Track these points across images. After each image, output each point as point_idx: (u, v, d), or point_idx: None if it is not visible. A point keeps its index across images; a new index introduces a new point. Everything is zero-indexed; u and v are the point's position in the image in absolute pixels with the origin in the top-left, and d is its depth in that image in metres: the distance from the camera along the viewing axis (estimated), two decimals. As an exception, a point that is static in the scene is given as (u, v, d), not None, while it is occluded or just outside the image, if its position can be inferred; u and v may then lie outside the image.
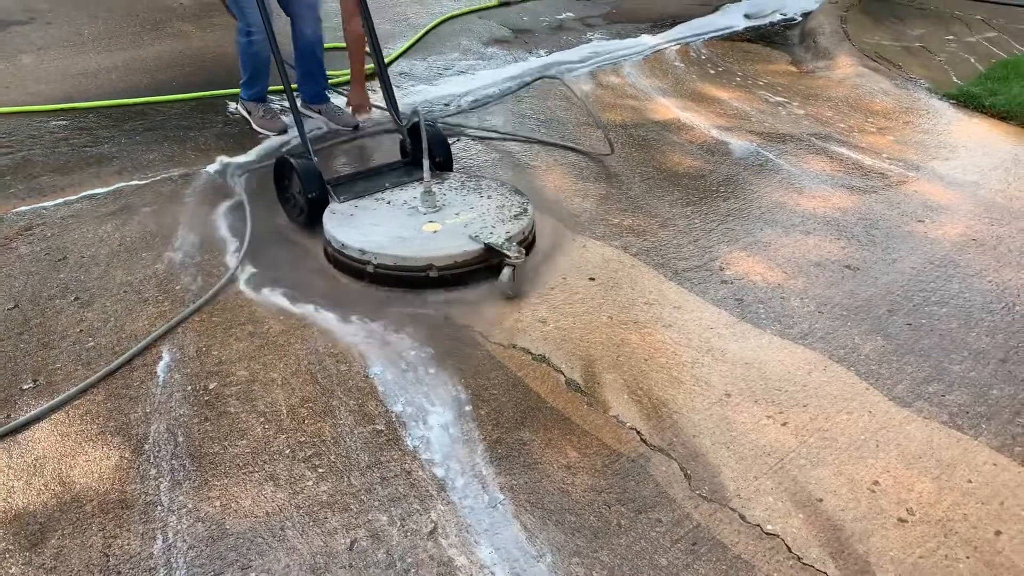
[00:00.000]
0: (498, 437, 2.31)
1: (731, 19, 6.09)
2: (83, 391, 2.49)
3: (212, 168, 3.79)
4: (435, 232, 3.00)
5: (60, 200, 3.52)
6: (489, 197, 3.23)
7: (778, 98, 4.69)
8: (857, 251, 3.19)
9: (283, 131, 4.23)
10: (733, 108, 4.54)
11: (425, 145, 3.11)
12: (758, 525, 2.03)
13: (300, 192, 3.23)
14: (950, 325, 2.75)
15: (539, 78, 4.65)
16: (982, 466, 2.20)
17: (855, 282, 2.99)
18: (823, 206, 3.51)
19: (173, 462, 2.24)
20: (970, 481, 2.16)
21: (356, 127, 4.24)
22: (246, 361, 2.61)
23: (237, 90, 4.26)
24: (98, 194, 3.58)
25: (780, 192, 3.62)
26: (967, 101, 4.38)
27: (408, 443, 2.30)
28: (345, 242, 2.96)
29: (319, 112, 4.28)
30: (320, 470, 2.21)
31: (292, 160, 3.27)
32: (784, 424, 2.35)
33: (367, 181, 3.38)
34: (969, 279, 3.00)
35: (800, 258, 3.14)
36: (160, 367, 2.60)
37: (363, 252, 2.93)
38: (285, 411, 2.41)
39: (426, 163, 3.13)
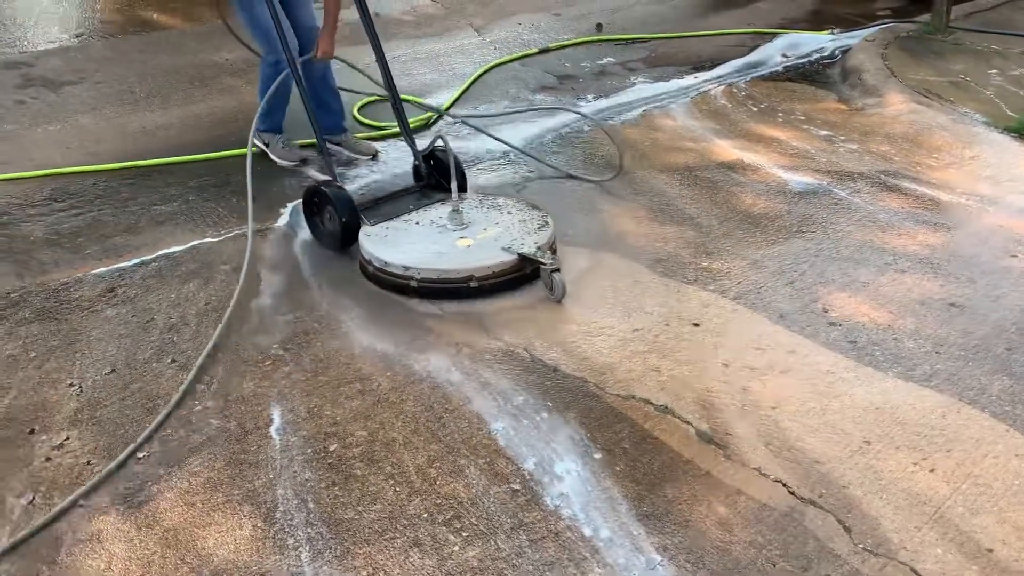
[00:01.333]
0: (639, 494, 2.24)
1: (768, 58, 6.13)
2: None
3: (282, 221, 3.76)
4: (469, 246, 3.22)
5: (137, 260, 3.48)
6: (510, 213, 3.46)
7: (836, 136, 4.68)
8: (958, 288, 3.15)
9: (303, 161, 4.24)
10: (792, 147, 4.53)
11: (453, 169, 3.35)
12: (934, 579, 1.96)
13: (333, 218, 3.36)
14: (1072, 362, 2.71)
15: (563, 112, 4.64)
16: None
17: (965, 320, 2.95)
18: (911, 243, 3.48)
19: (309, 530, 2.16)
20: None
21: (375, 155, 4.31)
22: (362, 420, 2.55)
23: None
24: (175, 252, 3.53)
25: (863, 231, 3.59)
26: (1029, 134, 4.39)
27: (547, 502, 2.23)
28: (388, 260, 3.15)
29: (339, 144, 4.29)
30: (464, 534, 2.14)
31: (324, 188, 3.39)
32: (932, 471, 2.28)
33: (391, 205, 3.55)
34: (1077, 314, 2.96)
35: (902, 297, 3.10)
36: (273, 430, 2.53)
37: (406, 268, 3.11)
38: (414, 472, 2.34)
39: (454, 184, 3.36)
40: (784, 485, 2.25)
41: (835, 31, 6.77)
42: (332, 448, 2.44)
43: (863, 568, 2.00)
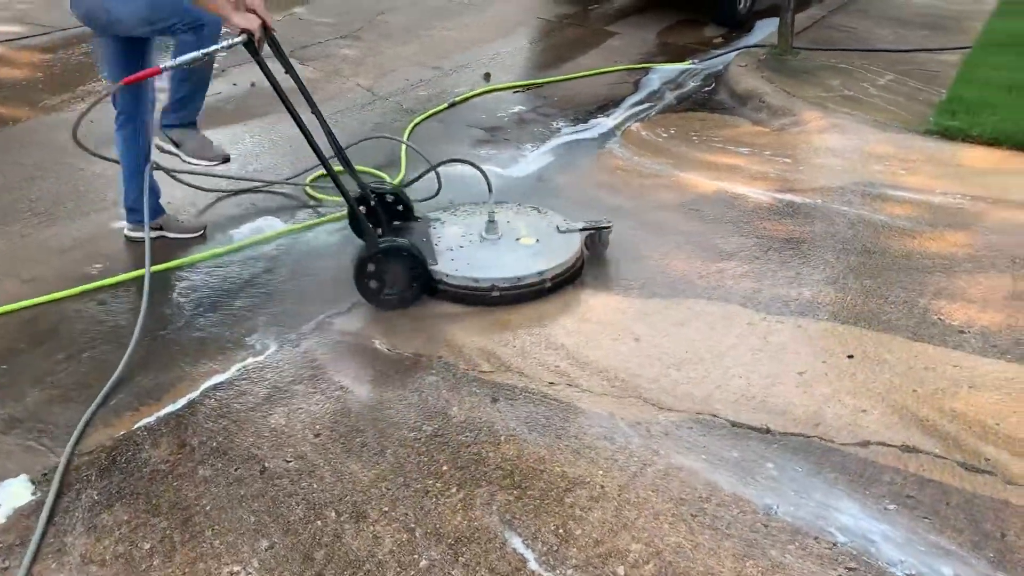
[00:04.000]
0: (972, 540, 2.14)
1: (660, 92, 6.35)
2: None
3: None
4: (532, 244, 3.49)
5: (184, 401, 2.83)
6: (518, 213, 3.75)
7: (783, 157, 4.92)
8: (1030, 279, 3.39)
9: (226, 159, 3.63)
10: (755, 171, 4.70)
11: (490, 188, 3.64)
12: None
13: (415, 271, 3.27)
14: None
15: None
16: None
17: (1063, 307, 3.17)
18: (948, 245, 3.70)
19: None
20: None
21: (227, 159, 3.68)
22: (626, 535, 2.22)
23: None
24: (223, 382, 2.92)
25: (895, 240, 3.78)
26: (952, 135, 4.88)
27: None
28: (479, 277, 3.30)
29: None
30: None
31: (386, 248, 3.22)
32: None
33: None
34: None
35: (998, 295, 3.27)
36: (532, 565, 2.14)
37: (480, 280, 3.30)
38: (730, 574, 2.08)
39: (491, 197, 3.63)
40: (1082, 497, 2.26)
41: (694, 61, 7.17)
42: (621, 572, 2.10)
43: None
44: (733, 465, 2.45)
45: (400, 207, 3.70)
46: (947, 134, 4.90)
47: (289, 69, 3.37)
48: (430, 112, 5.68)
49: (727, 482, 2.38)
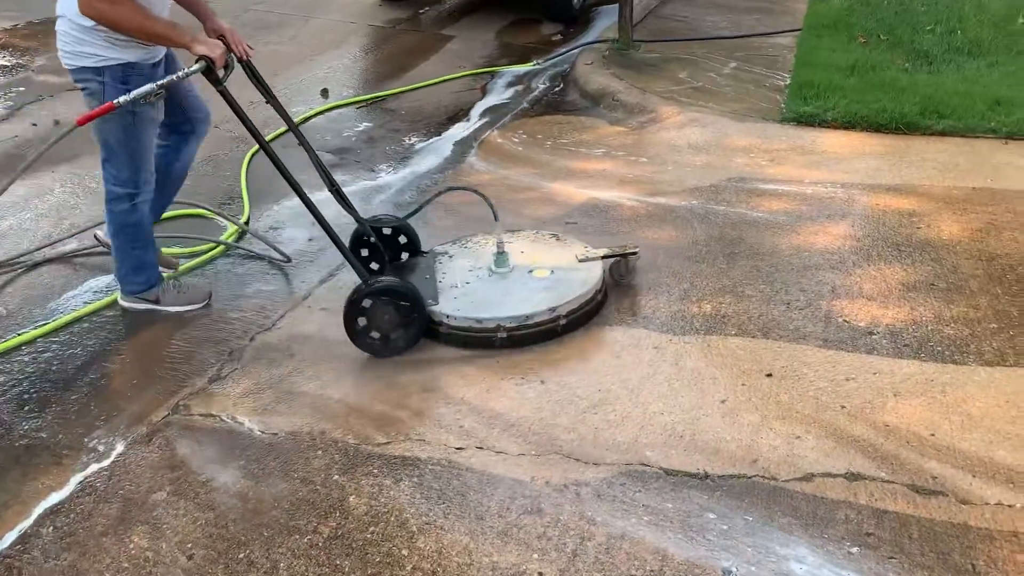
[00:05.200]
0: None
1: (510, 97, 6.10)
2: None
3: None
4: (545, 277, 3.14)
5: (14, 535, 2.29)
6: (533, 241, 3.44)
7: (648, 158, 4.78)
8: (923, 268, 3.35)
9: (208, 297, 3.35)
10: (624, 175, 4.53)
11: (495, 215, 3.21)
12: None
13: (412, 313, 2.95)
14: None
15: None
16: None
17: (964, 296, 3.14)
18: (832, 239, 3.64)
19: None
20: None
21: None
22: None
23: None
24: (62, 502, 2.39)
25: (780, 237, 3.68)
26: (808, 120, 4.89)
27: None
28: (481, 317, 2.97)
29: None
30: None
31: (396, 286, 2.94)
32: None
33: (413, 280, 3.17)
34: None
35: (893, 287, 3.21)
36: None
37: (484, 320, 2.96)
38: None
39: (498, 226, 3.20)
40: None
41: (538, 61, 6.98)
42: None
43: None
44: (679, 524, 2.20)
45: (403, 240, 3.39)
46: (803, 120, 4.91)
47: (270, 98, 3.09)
48: (268, 138, 5.17)
49: (676, 546, 2.13)
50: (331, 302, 3.36)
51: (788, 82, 5.66)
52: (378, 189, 4.51)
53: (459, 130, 5.44)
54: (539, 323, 2.98)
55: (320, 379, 2.89)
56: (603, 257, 3.25)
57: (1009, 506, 2.17)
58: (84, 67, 2.86)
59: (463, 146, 5.13)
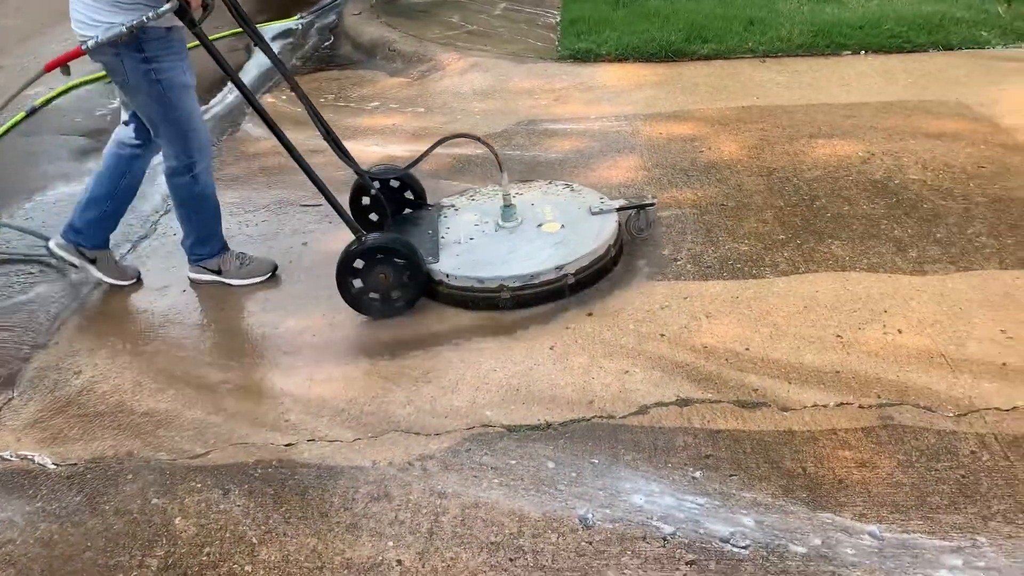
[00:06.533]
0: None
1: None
2: None
3: None
4: (554, 232, 2.96)
5: None
6: (545, 193, 3.24)
7: (436, 108, 4.67)
8: (711, 189, 3.50)
9: (273, 270, 3.21)
10: (416, 128, 4.40)
11: (500, 164, 2.97)
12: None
13: (412, 270, 2.78)
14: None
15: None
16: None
17: (752, 211, 3.31)
18: (624, 172, 3.73)
19: None
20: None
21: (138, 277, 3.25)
22: None
23: None
24: None
25: (576, 176, 3.72)
26: (583, 56, 4.95)
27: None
28: (483, 276, 2.80)
29: (93, 261, 3.15)
30: None
31: (382, 244, 2.76)
32: (895, 330, 2.59)
33: (412, 238, 2.97)
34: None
35: (687, 214, 3.33)
36: None
37: (486, 280, 2.79)
38: None
39: (504, 176, 2.99)
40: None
41: (303, 15, 6.64)
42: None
43: (969, 427, 2.22)
44: (530, 480, 2.17)
45: (409, 194, 3.21)
46: (579, 56, 4.98)
47: (258, 40, 2.92)
48: (6, 126, 4.55)
49: (531, 504, 2.10)
50: (114, 304, 3.02)
51: (559, 19, 5.72)
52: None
53: (227, 95, 5.06)
54: (546, 282, 2.81)
55: (117, 394, 2.60)
56: (618, 209, 3.07)
57: (824, 406, 2.32)
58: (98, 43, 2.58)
59: (235, 113, 4.79)
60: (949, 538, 1.92)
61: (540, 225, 3.02)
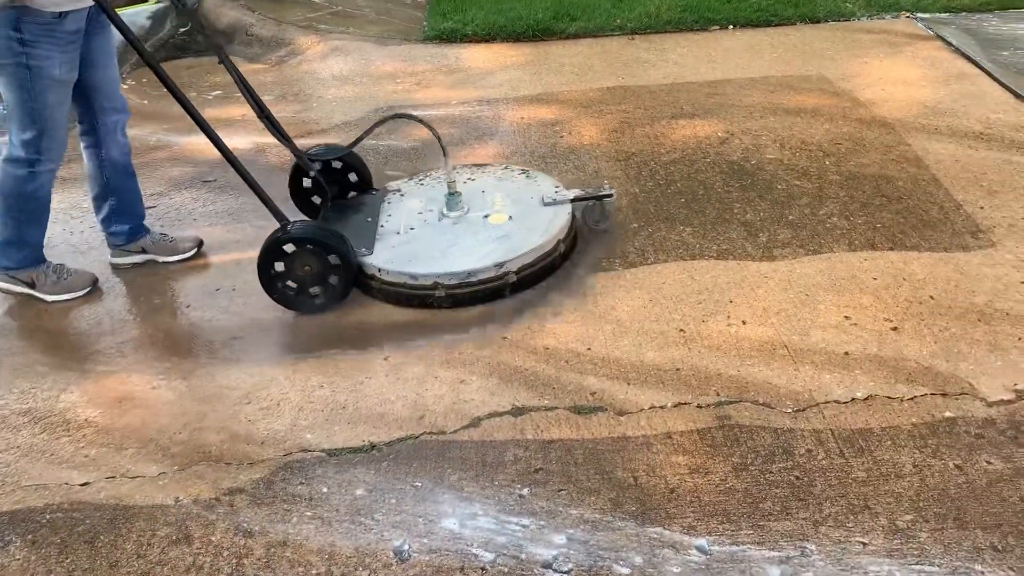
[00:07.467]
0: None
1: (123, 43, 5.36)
2: None
3: None
4: (500, 224, 2.74)
5: None
6: (499, 179, 3.02)
7: (292, 95, 4.42)
8: (569, 176, 3.36)
9: (95, 282, 2.94)
10: (277, 116, 4.14)
11: (444, 148, 2.78)
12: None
13: (340, 263, 2.57)
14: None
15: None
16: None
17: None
18: (481, 160, 3.57)
19: None
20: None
21: (200, 246, 3.10)
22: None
23: None
24: None
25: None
26: (449, 37, 4.75)
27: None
28: (417, 272, 2.59)
29: (142, 250, 3.05)
30: None
31: (308, 234, 2.55)
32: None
33: (348, 225, 2.79)
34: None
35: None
36: None
37: (420, 276, 2.59)
38: None
39: (448, 161, 2.78)
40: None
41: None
42: None
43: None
44: (345, 511, 2.00)
45: (353, 176, 2.99)
46: (444, 37, 4.79)
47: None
48: None
49: (344, 538, 1.93)
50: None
51: (428, -1, 5.50)
52: None
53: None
54: (484, 280, 2.59)
55: None
56: (572, 200, 2.85)
57: (661, 407, 2.21)
58: None
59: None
60: (778, 547, 1.83)
61: (487, 216, 2.80)
